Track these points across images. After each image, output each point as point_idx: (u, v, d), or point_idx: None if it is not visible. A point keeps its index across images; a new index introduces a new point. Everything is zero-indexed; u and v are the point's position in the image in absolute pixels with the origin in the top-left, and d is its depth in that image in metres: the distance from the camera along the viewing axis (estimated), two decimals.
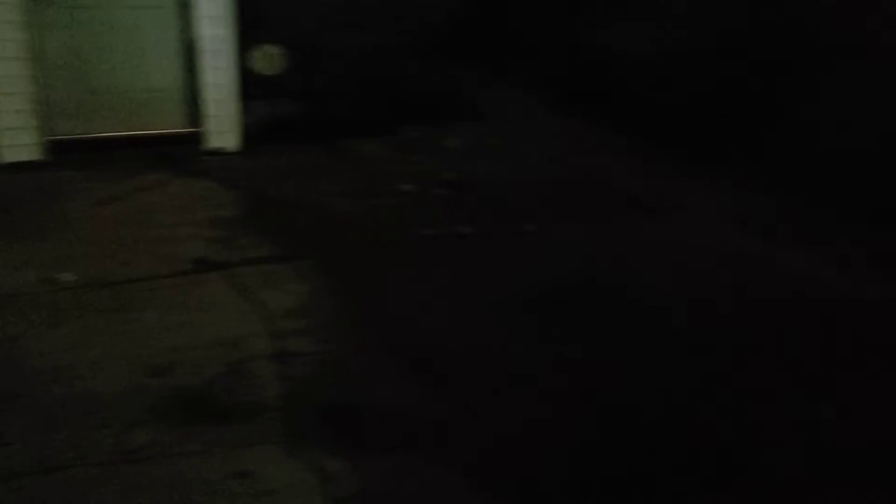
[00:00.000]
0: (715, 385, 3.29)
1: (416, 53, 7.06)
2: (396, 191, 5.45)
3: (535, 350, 3.53)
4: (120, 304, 3.81)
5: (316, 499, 2.60)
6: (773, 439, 2.98)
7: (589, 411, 3.11)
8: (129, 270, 4.18)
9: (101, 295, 3.90)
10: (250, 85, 6.31)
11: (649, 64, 6.38)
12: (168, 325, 3.64)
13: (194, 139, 6.10)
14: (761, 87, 5.50)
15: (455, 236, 4.67)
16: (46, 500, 2.55)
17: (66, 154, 5.73)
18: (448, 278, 4.23)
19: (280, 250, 4.50)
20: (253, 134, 6.32)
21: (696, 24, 5.98)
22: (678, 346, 3.58)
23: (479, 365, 3.41)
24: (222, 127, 6.08)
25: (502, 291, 4.05)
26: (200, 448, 2.82)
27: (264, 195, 5.36)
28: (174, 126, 6.09)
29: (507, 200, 5.27)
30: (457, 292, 4.06)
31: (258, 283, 4.07)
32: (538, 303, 3.94)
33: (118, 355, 3.38)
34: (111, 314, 3.72)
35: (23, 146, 5.59)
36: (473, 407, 3.13)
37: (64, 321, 3.65)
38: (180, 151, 5.99)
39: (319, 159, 6.14)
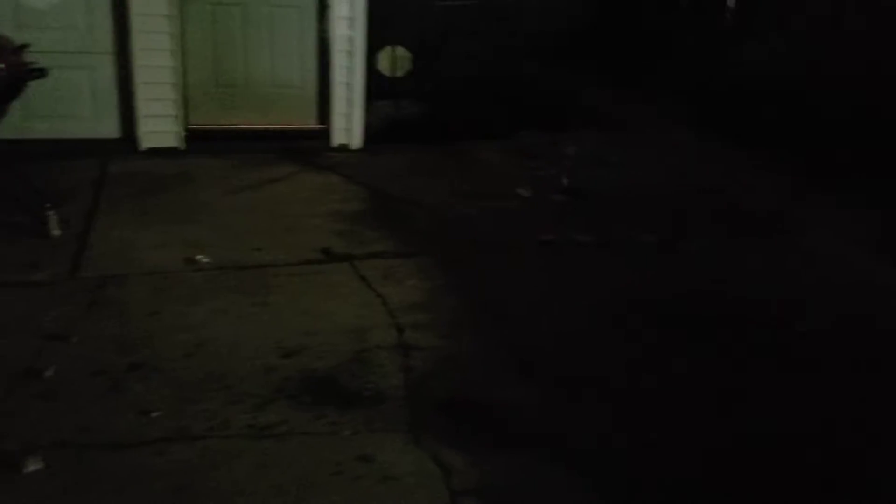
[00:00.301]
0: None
1: (535, 59, 7.11)
2: (513, 194, 5.49)
3: (653, 361, 3.52)
4: (253, 288, 4.01)
5: (439, 489, 2.68)
6: None
7: (708, 425, 3.08)
8: (261, 256, 4.38)
9: (235, 277, 4.12)
10: (375, 85, 6.50)
11: (779, 82, 6.23)
12: (297, 311, 3.81)
13: (320, 135, 6.32)
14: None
15: (573, 243, 4.68)
16: (188, 465, 2.73)
17: (200, 142, 6.04)
18: (566, 284, 4.25)
19: (401, 246, 4.62)
20: (374, 132, 6.50)
21: (835, 52, 5.84)
22: (802, 375, 3.49)
23: (596, 371, 3.42)
24: (347, 125, 6.28)
25: (622, 301, 4.04)
26: (327, 429, 2.95)
27: (385, 192, 5.51)
28: (302, 121, 6.34)
29: (625, 210, 5.24)
30: (575, 298, 4.08)
31: (381, 277, 4.20)
32: (659, 315, 3.91)
33: (251, 335, 3.56)
34: (244, 296, 3.92)
35: (162, 133, 5.93)
36: (589, 411, 3.15)
37: (201, 300, 3.87)
38: (306, 146, 6.22)
39: (437, 160, 6.25)
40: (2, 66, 4.30)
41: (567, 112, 6.71)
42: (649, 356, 3.56)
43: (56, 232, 4.42)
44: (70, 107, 5.82)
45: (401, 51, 6.72)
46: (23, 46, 4.46)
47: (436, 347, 3.56)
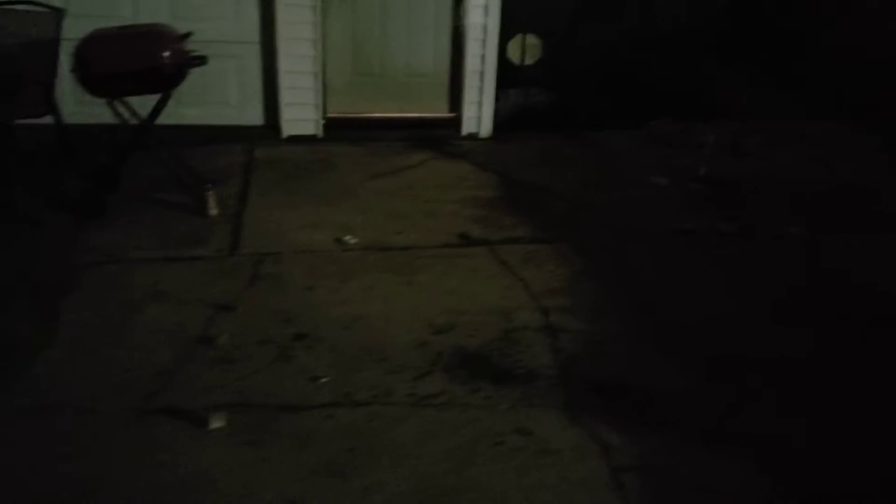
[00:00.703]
0: None
1: (666, 47, 7.00)
2: (647, 183, 5.46)
3: (810, 352, 3.46)
4: (398, 268, 4.16)
5: (599, 464, 2.74)
6: None
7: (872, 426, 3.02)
8: (403, 238, 4.54)
9: (381, 258, 4.28)
10: (504, 73, 6.56)
11: None
12: (443, 291, 3.93)
13: (450, 123, 6.45)
14: None
15: (716, 233, 4.63)
16: (356, 428, 2.88)
17: (338, 130, 6.26)
18: (710, 272, 4.21)
19: (537, 232, 4.68)
20: (503, 121, 6.57)
21: None
22: None
23: (748, 355, 3.39)
24: (477, 113, 6.38)
25: (770, 290, 3.98)
26: (484, 403, 3.05)
27: (517, 180, 5.58)
28: (433, 110, 6.47)
29: (766, 201, 5.12)
30: (720, 285, 4.05)
31: (520, 261, 4.27)
32: (810, 307, 3.83)
33: (402, 311, 3.71)
34: (391, 275, 4.08)
35: (303, 121, 6.18)
36: (743, 394, 3.14)
37: (352, 277, 4.05)
38: (437, 134, 6.36)
39: (567, 148, 6.27)
40: (167, 53, 4.58)
41: (701, 100, 6.59)
42: (804, 347, 3.50)
43: (213, 211, 4.70)
44: (218, 94, 6.13)
45: (531, 38, 6.75)
46: (186, 35, 4.73)
47: (582, 330, 3.61)
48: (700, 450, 2.84)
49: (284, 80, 6.07)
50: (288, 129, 6.18)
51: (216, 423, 2.85)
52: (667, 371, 3.30)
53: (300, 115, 6.16)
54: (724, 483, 2.69)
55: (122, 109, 4.59)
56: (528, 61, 6.86)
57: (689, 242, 4.56)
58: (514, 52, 6.80)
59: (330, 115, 6.29)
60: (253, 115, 6.26)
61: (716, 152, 5.76)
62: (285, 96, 6.10)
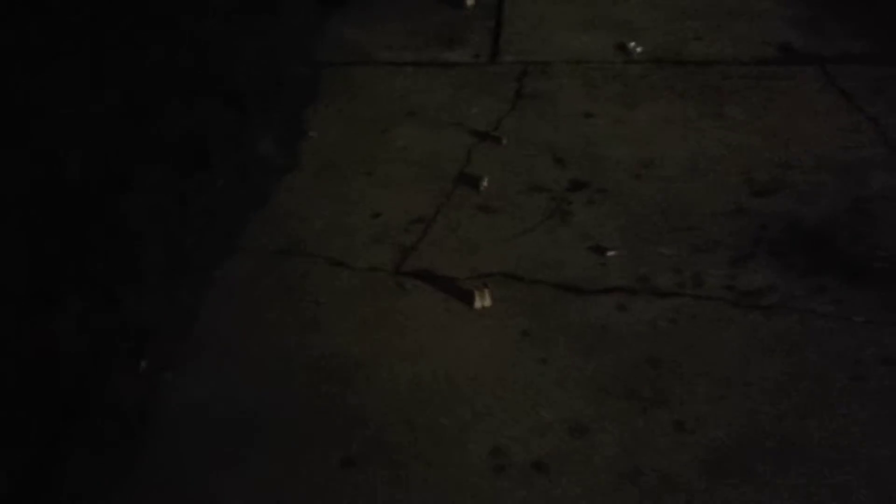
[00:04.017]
0: None
1: None
2: None
3: None
4: (700, 91, 3.25)
5: None
6: None
7: None
8: (703, 47, 3.55)
9: (675, 75, 3.37)
10: None
11: None
12: (761, 130, 3.00)
13: None
14: None
15: None
16: (657, 330, 2.23)
17: None
18: None
19: (889, 49, 3.47)
20: None
21: None
22: None
23: None
24: None
25: None
26: (833, 310, 2.25)
27: None
28: None
29: None
30: None
31: (867, 91, 3.18)
32: None
33: (709, 157, 2.88)
34: (692, 102, 3.19)
35: None
36: None
37: (640, 102, 3.21)
38: None
39: None
40: None
41: None
42: None
43: (470, 2, 3.94)
44: None
45: None
46: None
47: None
48: None
49: None
50: None
51: (482, 300, 2.32)
52: None
53: None
54: None
55: None
56: None
57: None
58: None
59: None
60: None
61: None
62: None
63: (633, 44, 3.56)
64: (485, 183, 2.79)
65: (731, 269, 2.40)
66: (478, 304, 2.31)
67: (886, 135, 2.93)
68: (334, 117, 3.23)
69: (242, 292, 2.43)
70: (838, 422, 1.94)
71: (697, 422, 1.96)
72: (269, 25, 3.69)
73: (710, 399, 2.02)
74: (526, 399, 2.05)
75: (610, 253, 2.47)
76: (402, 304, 2.35)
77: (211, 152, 2.86)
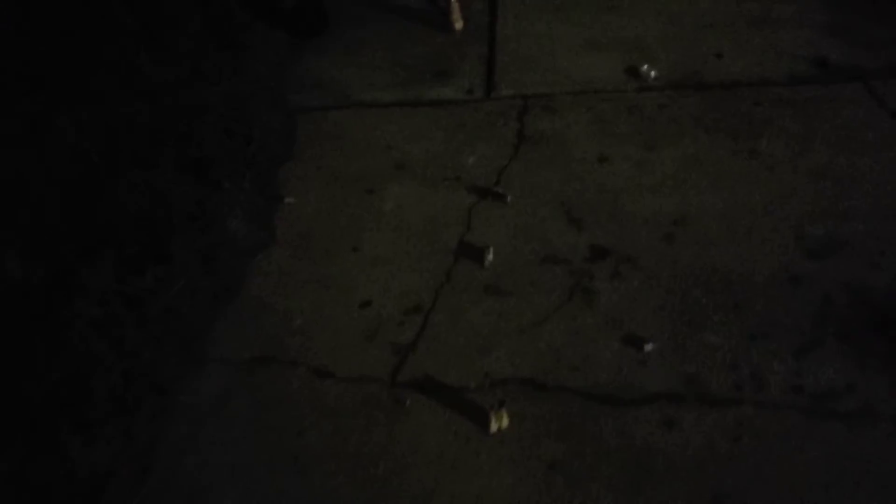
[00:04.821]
0: None
1: None
2: None
3: None
4: (728, 122, 2.82)
5: None
6: None
7: None
8: (726, 67, 3.10)
9: (699, 103, 2.93)
10: None
11: None
12: (806, 170, 2.59)
13: None
14: None
15: None
16: (710, 460, 1.83)
17: None
18: None
19: None
20: None
21: None
22: None
23: None
24: None
25: None
26: None
27: None
28: None
29: None
30: None
31: None
32: None
33: (750, 211, 2.46)
34: (720, 137, 2.76)
35: None
36: None
37: (661, 140, 2.78)
38: None
39: None
40: None
41: None
42: None
43: (459, 24, 3.50)
44: None
45: None
46: None
47: None
48: None
49: None
50: None
51: (498, 422, 1.92)
52: None
53: None
54: None
55: None
56: None
57: None
58: None
59: None
60: None
61: None
62: None
63: (646, 66, 3.13)
64: (490, 256, 2.38)
65: (796, 361, 1.99)
66: (493, 427, 1.91)
67: None
68: (313, 176, 2.81)
69: (211, 421, 2.03)
70: None
71: None
72: (237, 67, 3.26)
73: None
74: None
75: (648, 347, 2.06)
76: (401, 430, 1.95)
77: (171, 237, 2.45)
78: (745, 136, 2.77)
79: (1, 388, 1.97)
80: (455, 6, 3.47)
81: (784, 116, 2.84)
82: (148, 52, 3.24)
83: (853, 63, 3.07)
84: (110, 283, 2.28)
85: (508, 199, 2.59)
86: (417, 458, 1.88)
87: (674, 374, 2.00)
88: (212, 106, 2.99)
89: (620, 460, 1.82)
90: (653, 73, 3.11)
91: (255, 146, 2.89)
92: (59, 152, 2.62)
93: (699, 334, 2.09)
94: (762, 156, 2.67)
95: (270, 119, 3.06)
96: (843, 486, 1.72)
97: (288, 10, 3.56)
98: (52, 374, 2.05)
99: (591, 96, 3.05)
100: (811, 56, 3.13)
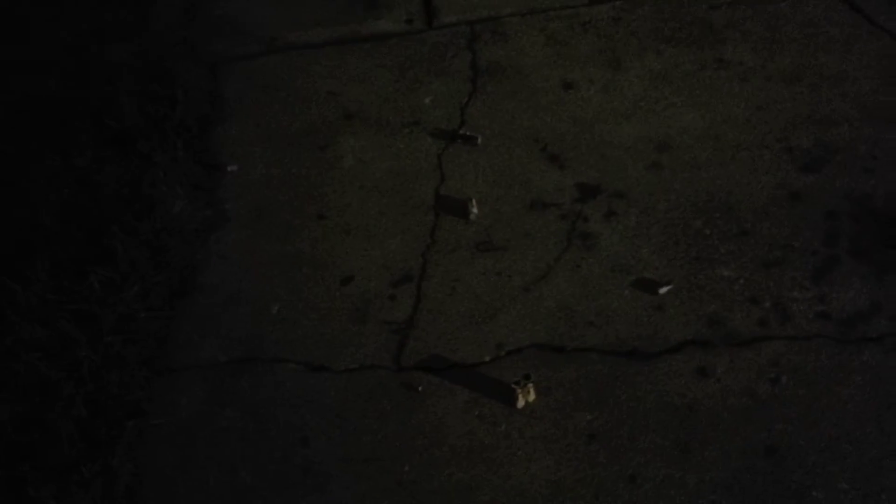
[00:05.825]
0: None
1: None
2: None
3: None
4: (690, 32, 2.65)
5: None
6: None
7: None
8: None
9: (652, 14, 2.74)
10: None
11: None
12: (779, 73, 2.47)
13: None
14: None
15: None
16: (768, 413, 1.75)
17: None
18: None
19: None
20: None
21: None
22: None
23: None
24: None
25: None
26: None
27: None
28: None
29: None
30: None
31: (877, 1, 2.68)
32: None
33: (732, 126, 2.32)
34: (682, 49, 2.59)
35: None
36: None
37: (624, 57, 2.58)
38: None
39: None
40: None
41: None
42: None
43: None
44: None
45: None
46: None
47: None
48: None
49: None
50: None
51: (525, 397, 1.77)
52: None
53: None
54: None
55: None
56: None
57: None
58: None
59: None
60: None
61: None
62: None
63: None
64: (474, 208, 2.18)
65: (816, 286, 1.91)
66: (521, 403, 1.76)
67: None
68: (252, 136, 2.51)
69: (199, 440, 1.80)
70: None
71: None
72: (140, 16, 2.86)
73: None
74: None
75: (662, 290, 1.94)
76: (419, 420, 1.78)
77: (106, 228, 2.13)
78: (709, 45, 2.61)
79: None
80: None
81: (745, 19, 2.69)
82: (36, 6, 2.84)
83: None
84: (48, 295, 1.97)
85: (479, 140, 2.37)
86: (445, 452, 1.72)
87: (694, 316, 1.89)
88: (123, 64, 2.61)
89: (661, 422, 1.71)
90: None
91: (181, 109, 2.55)
92: None
93: (711, 269, 1.98)
94: (731, 65, 2.53)
95: (192, 75, 2.70)
96: (890, 421, 1.67)
97: None
98: None
99: (541, 15, 2.81)
100: None
